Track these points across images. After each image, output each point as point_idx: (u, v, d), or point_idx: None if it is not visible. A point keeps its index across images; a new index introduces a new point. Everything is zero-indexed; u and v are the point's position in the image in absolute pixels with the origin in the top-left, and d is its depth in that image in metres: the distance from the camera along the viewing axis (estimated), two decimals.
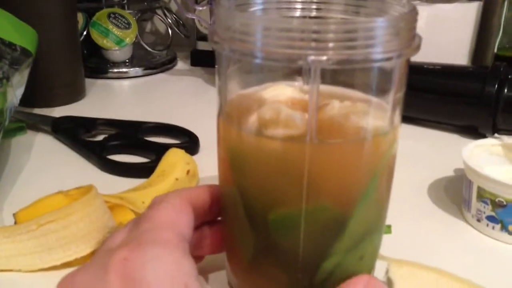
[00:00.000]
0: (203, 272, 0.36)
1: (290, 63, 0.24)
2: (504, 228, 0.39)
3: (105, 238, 0.36)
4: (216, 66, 0.29)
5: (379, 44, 0.24)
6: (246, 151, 0.27)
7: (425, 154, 0.55)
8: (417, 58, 0.67)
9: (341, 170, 0.26)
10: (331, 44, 0.24)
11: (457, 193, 0.46)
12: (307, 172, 0.25)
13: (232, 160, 0.28)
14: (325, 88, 0.30)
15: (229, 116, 0.29)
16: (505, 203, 0.38)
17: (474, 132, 0.58)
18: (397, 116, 0.29)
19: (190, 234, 0.28)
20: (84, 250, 0.35)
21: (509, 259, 0.38)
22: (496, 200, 0.39)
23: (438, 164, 0.52)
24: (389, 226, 0.35)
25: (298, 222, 0.26)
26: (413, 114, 0.61)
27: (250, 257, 0.29)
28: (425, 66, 0.61)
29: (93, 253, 0.36)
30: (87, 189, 0.38)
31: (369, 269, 0.32)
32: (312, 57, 0.23)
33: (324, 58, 0.23)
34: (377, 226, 0.30)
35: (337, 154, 0.26)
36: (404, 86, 0.28)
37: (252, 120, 0.28)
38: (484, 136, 0.55)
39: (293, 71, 0.30)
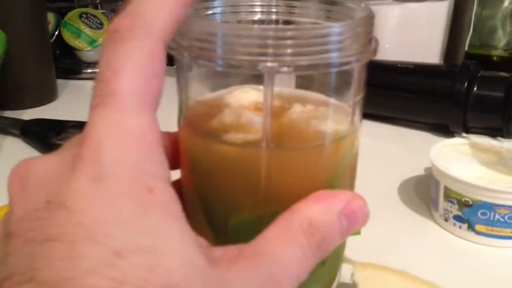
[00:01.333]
0: None
1: (248, 70, 0.24)
2: (470, 227, 0.40)
3: None
4: (175, 68, 0.28)
5: (336, 50, 0.24)
6: (205, 156, 0.27)
7: (396, 152, 0.56)
8: (389, 57, 0.67)
9: (299, 175, 0.26)
10: (288, 50, 0.24)
11: (427, 193, 0.46)
12: (264, 178, 0.25)
13: (192, 165, 0.28)
14: (287, 91, 0.30)
15: (189, 121, 0.28)
16: (471, 203, 0.39)
17: (446, 130, 0.58)
18: (357, 117, 0.29)
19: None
20: None
21: (476, 258, 0.39)
22: (463, 200, 0.39)
23: (408, 163, 0.52)
24: None
25: (257, 227, 0.26)
26: (384, 113, 0.62)
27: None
28: (397, 65, 0.62)
29: None
30: None
31: (333, 275, 0.32)
32: (264, 64, 0.23)
33: (276, 64, 0.23)
34: None
35: (295, 160, 0.26)
36: (363, 88, 0.28)
37: (212, 124, 0.28)
38: (454, 135, 0.55)
39: (258, 74, 0.30)
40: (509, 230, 0.39)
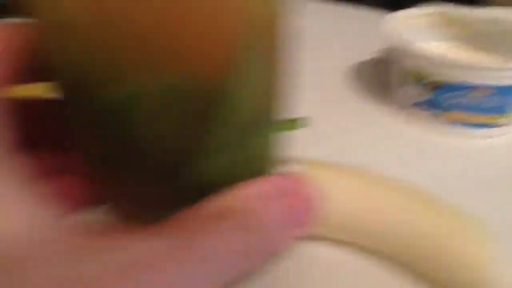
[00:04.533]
0: None
1: None
2: (436, 116, 0.33)
3: None
4: None
5: None
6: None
7: (343, 34, 0.48)
8: None
9: (202, 20, 0.17)
10: None
11: (382, 77, 0.39)
12: (136, 29, 0.16)
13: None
14: None
15: None
16: (436, 85, 0.32)
17: (395, 4, 0.50)
18: None
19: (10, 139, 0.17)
20: None
21: (440, 148, 0.32)
22: (426, 81, 0.32)
23: (358, 45, 0.45)
24: (304, 118, 0.27)
25: (144, 104, 0.17)
26: None
27: (93, 168, 0.21)
28: None
29: None
30: None
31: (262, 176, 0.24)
32: None
33: None
34: (270, 114, 0.22)
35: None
36: None
37: None
38: (404, 7, 0.47)
39: None
40: (484, 116, 0.32)
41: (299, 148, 0.26)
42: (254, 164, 0.21)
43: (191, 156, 0.19)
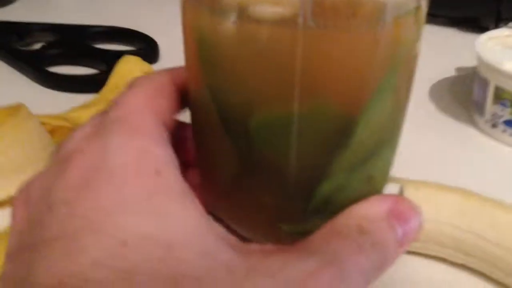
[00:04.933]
0: None
1: None
2: None
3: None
4: None
5: None
6: (219, 40, 0.21)
7: (421, 52, 0.48)
8: None
9: (346, 62, 0.20)
10: None
11: (465, 96, 0.40)
12: (300, 65, 0.19)
13: (202, 53, 0.22)
14: None
15: None
16: None
17: (473, 25, 0.51)
18: None
19: (171, 121, 0.22)
20: (15, 186, 0.28)
21: None
22: None
23: (437, 64, 0.46)
24: None
25: (288, 129, 0.20)
26: None
27: (231, 178, 0.23)
28: None
29: None
30: (16, 109, 0.30)
31: (378, 192, 0.26)
32: None
33: None
34: (391, 138, 0.24)
35: (342, 43, 0.19)
36: None
37: None
38: (485, 30, 0.48)
39: None
40: None
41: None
42: (370, 183, 0.23)
43: (318, 177, 0.21)
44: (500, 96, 0.34)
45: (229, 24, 0.20)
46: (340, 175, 0.22)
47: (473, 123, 0.37)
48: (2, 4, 0.58)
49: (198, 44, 0.21)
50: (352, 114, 0.21)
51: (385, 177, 0.26)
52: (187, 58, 0.23)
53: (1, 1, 0.58)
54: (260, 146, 0.21)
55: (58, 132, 0.33)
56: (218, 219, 0.27)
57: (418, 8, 0.21)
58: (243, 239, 0.26)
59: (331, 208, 0.23)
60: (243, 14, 0.19)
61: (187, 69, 0.24)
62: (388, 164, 0.25)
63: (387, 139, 0.23)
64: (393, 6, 0.21)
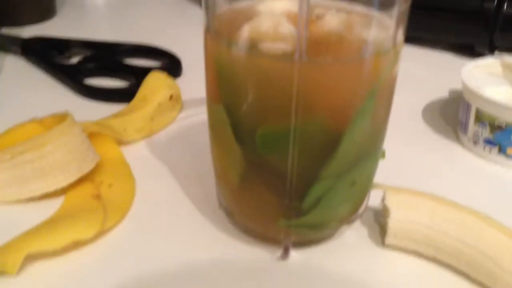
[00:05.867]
0: (192, 193, 0.34)
1: None
2: (501, 151, 0.38)
3: (84, 168, 0.34)
4: None
5: None
6: (233, 67, 0.26)
7: (418, 74, 0.53)
8: None
9: (333, 89, 0.25)
10: None
11: (453, 116, 0.44)
12: (296, 91, 0.24)
13: (220, 77, 0.27)
14: (324, 2, 0.27)
15: (218, 30, 0.26)
16: (504, 125, 0.37)
17: (470, 50, 0.56)
18: (400, 33, 0.27)
19: None
20: (62, 181, 0.33)
21: (506, 182, 0.37)
22: (495, 122, 0.37)
23: (432, 85, 0.50)
24: (383, 151, 0.33)
25: (287, 138, 0.25)
26: (407, 32, 0.58)
27: (238, 179, 0.29)
28: None
29: (72, 184, 0.34)
30: (63, 117, 0.35)
31: (361, 197, 0.30)
32: None
33: None
34: (372, 150, 0.29)
35: (330, 74, 0.24)
36: None
37: (242, 33, 0.25)
38: (480, 55, 0.52)
39: None
40: None
41: (379, 178, 0.32)
42: (354, 187, 0.28)
43: (311, 180, 0.26)
44: (480, 118, 0.38)
45: (242, 55, 0.25)
46: (329, 179, 0.27)
47: (458, 140, 0.42)
48: (42, 19, 0.64)
49: (217, 69, 0.27)
50: (339, 129, 0.26)
51: (368, 183, 0.30)
52: (207, 80, 0.28)
53: (41, 16, 0.64)
54: (263, 152, 0.26)
55: (95, 137, 0.38)
56: (228, 212, 0.32)
57: (394, 45, 0.26)
58: (247, 229, 0.31)
59: (321, 207, 0.28)
60: (253, 48, 0.24)
61: (207, 88, 0.29)
62: (370, 172, 0.30)
63: (369, 151, 0.28)
64: (373, 45, 0.26)
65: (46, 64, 0.51)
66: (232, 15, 0.27)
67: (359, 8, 0.27)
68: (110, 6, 0.72)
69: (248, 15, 0.26)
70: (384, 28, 0.26)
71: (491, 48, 0.54)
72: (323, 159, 0.26)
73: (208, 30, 0.27)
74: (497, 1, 0.52)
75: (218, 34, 0.26)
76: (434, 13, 0.56)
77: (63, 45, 0.54)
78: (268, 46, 0.24)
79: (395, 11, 0.25)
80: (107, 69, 0.51)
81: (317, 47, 0.25)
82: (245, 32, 0.25)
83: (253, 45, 0.25)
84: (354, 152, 0.27)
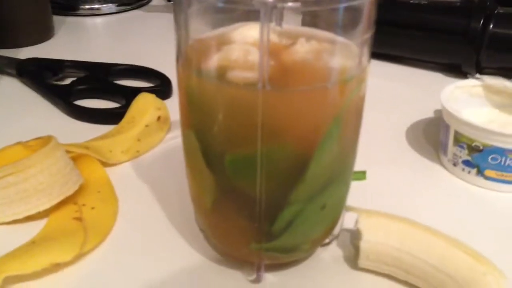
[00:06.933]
0: (173, 216, 0.35)
1: (244, 5, 0.22)
2: (480, 172, 0.38)
3: (67, 191, 0.35)
4: (173, 5, 0.27)
5: None
6: (202, 95, 0.27)
7: (405, 94, 0.54)
8: None
9: (297, 116, 0.25)
10: None
11: (436, 136, 0.45)
12: (261, 119, 0.25)
13: (190, 103, 0.28)
14: (292, 28, 0.28)
15: (188, 59, 0.27)
16: (481, 147, 0.37)
17: (458, 70, 0.56)
18: (365, 56, 0.27)
19: None
20: (45, 203, 0.34)
21: (484, 204, 0.38)
22: (473, 144, 0.38)
23: (418, 105, 0.50)
24: (363, 172, 0.34)
25: (254, 164, 0.26)
26: (393, 52, 0.59)
27: (211, 202, 0.29)
28: (409, 1, 0.58)
29: (55, 206, 0.34)
30: (47, 140, 0.36)
31: (333, 220, 0.31)
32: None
33: (271, 0, 0.21)
34: (342, 174, 0.29)
35: (294, 102, 0.25)
36: (372, 26, 0.26)
37: (211, 62, 0.26)
38: (468, 75, 0.53)
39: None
40: None
41: (358, 199, 0.32)
42: (325, 210, 0.28)
43: (281, 204, 0.27)
44: (458, 140, 0.39)
45: (210, 84, 0.26)
46: (298, 203, 0.27)
47: (439, 161, 0.42)
48: (40, 40, 0.66)
49: (187, 96, 0.27)
50: (305, 155, 0.26)
51: (339, 206, 0.31)
52: (180, 106, 0.29)
53: (39, 37, 0.66)
54: (233, 178, 0.27)
55: (80, 159, 0.39)
56: (204, 234, 0.32)
57: (360, 72, 0.27)
58: (223, 251, 0.32)
59: (291, 231, 0.28)
60: (220, 77, 0.25)
61: (181, 114, 0.29)
62: (340, 195, 0.30)
63: (338, 174, 0.28)
64: (337, 73, 0.26)
65: (40, 85, 0.52)
66: (203, 44, 0.28)
67: (327, 35, 0.27)
68: (107, 27, 0.73)
69: (219, 44, 0.27)
70: (349, 54, 0.26)
71: (478, 68, 0.54)
72: (291, 184, 0.27)
73: (179, 59, 0.27)
74: (483, 21, 0.53)
75: (188, 63, 0.27)
76: (421, 33, 0.57)
77: (57, 66, 0.55)
78: (236, 74, 0.25)
79: (359, 38, 0.26)
80: (98, 90, 0.52)
81: (283, 75, 0.25)
82: (214, 61, 0.26)
83: (220, 74, 0.25)
84: (323, 176, 0.27)
